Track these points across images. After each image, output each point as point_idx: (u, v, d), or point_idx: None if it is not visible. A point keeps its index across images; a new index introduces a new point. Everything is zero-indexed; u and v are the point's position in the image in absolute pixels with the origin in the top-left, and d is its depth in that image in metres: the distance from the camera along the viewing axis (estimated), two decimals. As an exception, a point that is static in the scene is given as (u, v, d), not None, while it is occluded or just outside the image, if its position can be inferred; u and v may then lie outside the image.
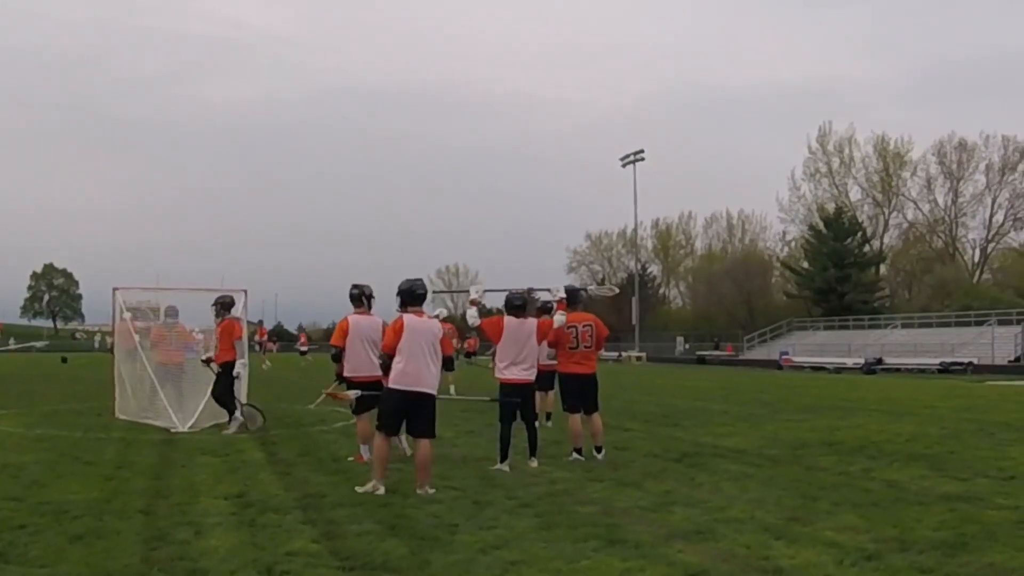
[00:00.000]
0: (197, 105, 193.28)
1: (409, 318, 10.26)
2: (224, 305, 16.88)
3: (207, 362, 16.90)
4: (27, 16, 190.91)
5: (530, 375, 12.17)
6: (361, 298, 12.67)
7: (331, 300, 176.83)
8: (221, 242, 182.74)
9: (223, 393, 16.25)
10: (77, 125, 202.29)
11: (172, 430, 16.04)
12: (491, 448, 12.33)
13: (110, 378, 19.50)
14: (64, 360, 41.43)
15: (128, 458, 12.85)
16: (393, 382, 10.20)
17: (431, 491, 9.99)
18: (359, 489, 10.03)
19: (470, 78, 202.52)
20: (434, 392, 10.37)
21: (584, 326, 12.86)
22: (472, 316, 12.35)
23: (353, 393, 11.56)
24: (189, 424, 16.36)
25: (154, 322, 19.19)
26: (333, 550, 7.56)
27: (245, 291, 19.51)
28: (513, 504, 9.45)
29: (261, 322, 58.40)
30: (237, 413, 16.19)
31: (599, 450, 12.80)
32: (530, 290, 13.23)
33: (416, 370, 10.12)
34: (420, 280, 10.59)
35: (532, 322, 12.37)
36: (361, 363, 12.29)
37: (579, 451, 12.72)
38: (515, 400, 11.94)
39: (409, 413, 10.27)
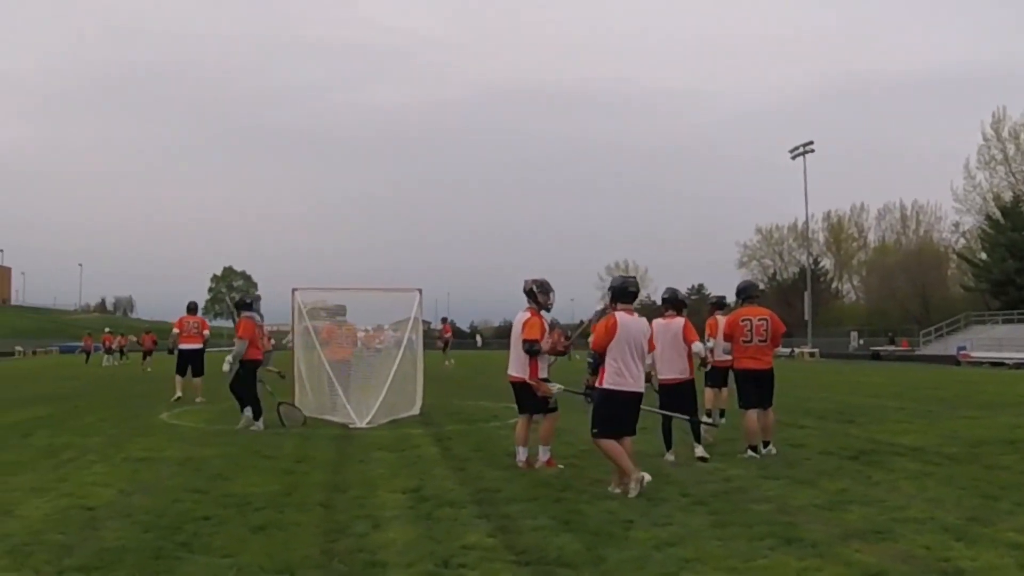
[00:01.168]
0: (360, 110, 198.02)
1: (621, 316, 10.04)
2: (238, 304, 17.11)
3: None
4: (195, 37, 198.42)
5: (683, 374, 12.20)
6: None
7: (501, 298, 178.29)
8: (393, 242, 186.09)
9: (240, 388, 16.40)
10: (247, 134, 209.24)
11: (350, 426, 16.35)
12: (663, 445, 12.28)
13: (289, 376, 19.93)
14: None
15: (307, 453, 13.13)
16: (608, 383, 9.93)
17: (619, 491, 9.85)
18: (615, 490, 9.86)
19: (632, 76, 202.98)
20: (643, 391, 10.20)
21: (759, 320, 12.72)
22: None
23: (556, 387, 11.44)
24: (367, 420, 16.65)
25: (327, 321, 19.59)
26: (508, 544, 7.59)
27: (420, 290, 19.80)
28: (687, 501, 9.35)
29: (445, 319, 58.43)
30: (248, 412, 16.25)
31: (766, 444, 12.64)
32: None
33: (630, 370, 9.93)
34: (633, 278, 10.46)
35: (679, 322, 12.32)
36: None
37: (754, 449, 12.54)
38: (671, 413, 12.05)
39: (624, 413, 10.03)
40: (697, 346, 12.37)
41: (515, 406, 12.17)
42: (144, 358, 41.61)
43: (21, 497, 9.65)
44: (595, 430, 9.99)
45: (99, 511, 8.92)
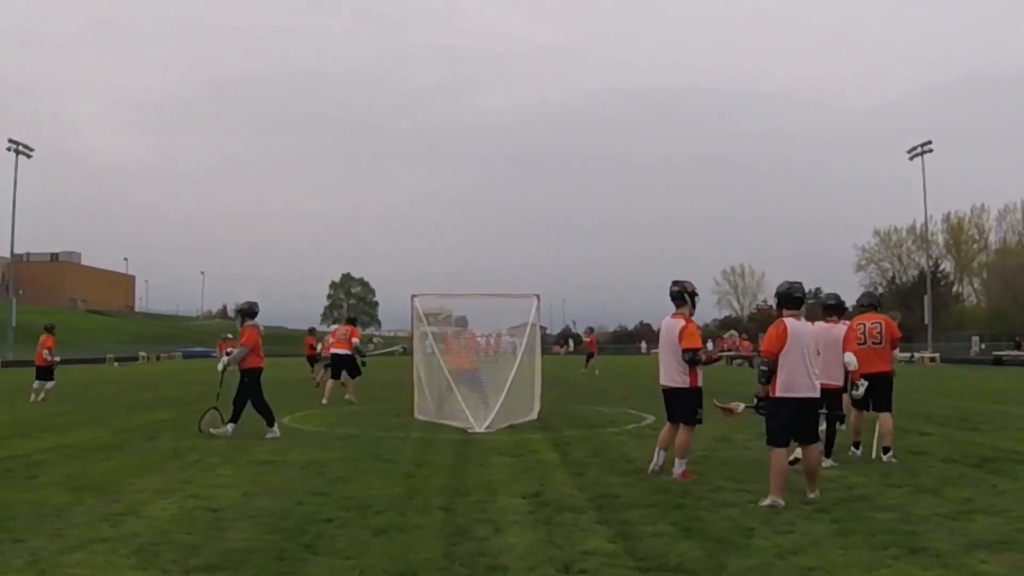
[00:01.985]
0: (477, 115, 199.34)
1: (791, 322, 9.88)
2: (244, 312, 16.89)
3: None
4: (312, 45, 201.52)
5: (836, 380, 11.97)
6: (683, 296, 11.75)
7: (617, 303, 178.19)
8: (510, 247, 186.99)
9: (255, 400, 16.08)
10: (363, 140, 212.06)
11: (469, 431, 16.42)
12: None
13: (409, 381, 20.10)
14: (363, 364, 42.65)
15: (427, 457, 13.24)
16: (781, 391, 9.74)
17: (813, 495, 9.75)
18: (812, 495, 9.72)
19: (746, 76, 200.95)
20: (818, 395, 10.02)
21: (872, 323, 12.81)
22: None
23: (740, 406, 11.24)
24: (486, 425, 16.72)
25: (447, 328, 19.76)
26: (629, 550, 7.55)
27: (537, 296, 19.82)
28: (809, 509, 9.20)
29: (592, 329, 57.60)
30: (229, 428, 16.00)
31: (886, 451, 12.47)
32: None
33: (801, 376, 9.74)
34: (799, 283, 10.28)
35: (841, 329, 12.15)
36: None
37: (856, 445, 12.71)
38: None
39: (798, 421, 9.84)
40: (848, 356, 12.14)
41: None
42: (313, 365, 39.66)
43: (148, 498, 9.88)
44: (767, 437, 9.85)
45: (224, 512, 9.08)
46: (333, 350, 24.79)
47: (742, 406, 11.07)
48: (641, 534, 8.15)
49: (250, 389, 16.07)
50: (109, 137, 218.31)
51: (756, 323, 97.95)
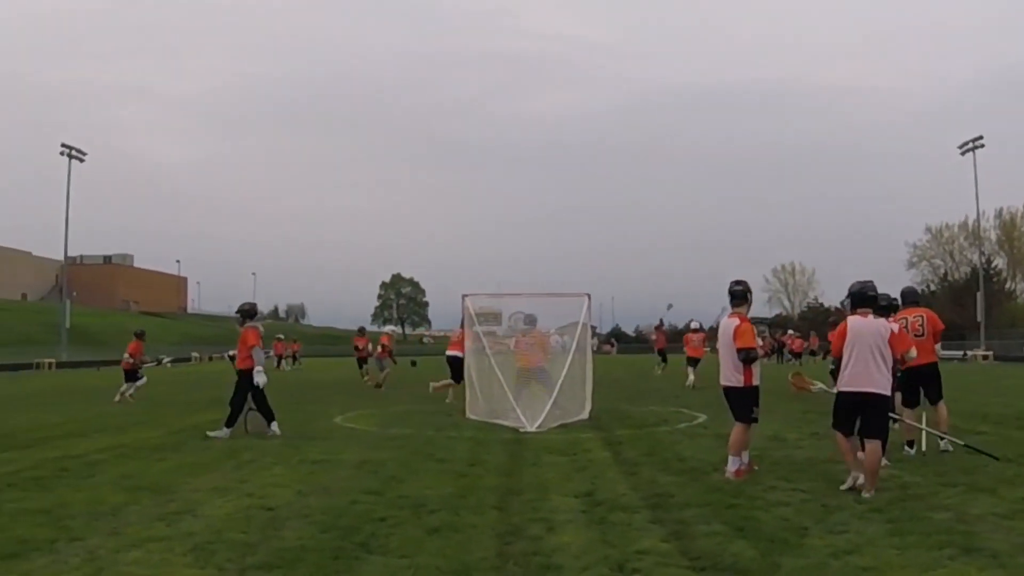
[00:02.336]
0: (516, 120, 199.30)
1: (853, 320, 10.20)
2: (245, 313, 16.79)
3: (232, 359, 17.23)
4: (362, 44, 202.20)
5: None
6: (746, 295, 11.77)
7: (665, 300, 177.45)
8: (558, 247, 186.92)
9: (235, 397, 16.08)
10: (412, 140, 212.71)
11: (521, 430, 16.42)
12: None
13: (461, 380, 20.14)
14: (414, 364, 42.79)
15: (479, 456, 13.23)
16: (842, 384, 10.17)
17: (869, 495, 9.69)
18: (844, 487, 9.96)
19: (796, 74, 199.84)
20: (884, 392, 10.14)
21: (914, 317, 13.00)
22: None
23: (816, 387, 11.36)
24: (537, 424, 16.71)
25: (498, 327, 19.77)
26: (682, 550, 7.52)
27: (588, 295, 19.82)
28: (863, 508, 9.12)
29: (663, 320, 57.12)
30: (241, 418, 15.98)
31: (942, 438, 12.54)
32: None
33: (860, 371, 10.00)
34: (871, 282, 10.50)
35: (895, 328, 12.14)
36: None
37: (911, 444, 12.67)
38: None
39: (860, 414, 10.11)
40: (912, 352, 12.10)
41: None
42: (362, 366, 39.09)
43: (204, 497, 9.97)
44: (834, 423, 10.42)
45: (279, 511, 9.15)
46: (448, 352, 24.24)
47: (818, 385, 11.20)
48: (695, 533, 8.12)
49: (241, 388, 16.16)
50: (161, 140, 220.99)
51: (807, 321, 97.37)
